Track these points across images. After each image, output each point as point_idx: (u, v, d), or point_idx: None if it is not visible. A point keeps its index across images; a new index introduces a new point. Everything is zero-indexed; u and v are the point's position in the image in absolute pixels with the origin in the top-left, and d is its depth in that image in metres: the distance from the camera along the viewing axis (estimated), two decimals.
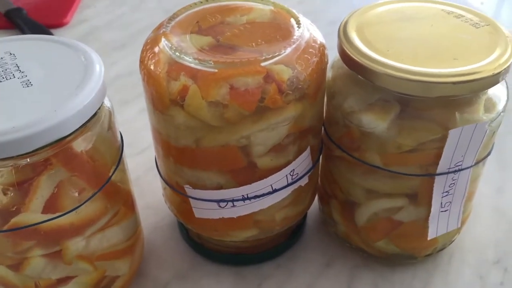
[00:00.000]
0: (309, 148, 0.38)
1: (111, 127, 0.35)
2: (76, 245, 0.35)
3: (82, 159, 0.32)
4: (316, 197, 0.47)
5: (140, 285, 0.43)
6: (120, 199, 0.37)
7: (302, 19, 0.37)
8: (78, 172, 0.32)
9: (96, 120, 0.33)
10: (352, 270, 0.44)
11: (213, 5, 0.39)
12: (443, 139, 0.35)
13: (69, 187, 0.33)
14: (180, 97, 0.33)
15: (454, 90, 0.33)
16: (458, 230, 0.43)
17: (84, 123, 0.31)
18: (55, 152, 0.31)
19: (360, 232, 0.42)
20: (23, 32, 0.73)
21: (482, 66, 0.33)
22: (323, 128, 0.41)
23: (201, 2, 0.39)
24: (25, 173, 0.32)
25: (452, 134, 0.34)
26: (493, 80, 0.33)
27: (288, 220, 0.41)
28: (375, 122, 0.35)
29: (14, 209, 0.32)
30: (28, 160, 0.30)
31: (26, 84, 0.31)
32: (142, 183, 0.51)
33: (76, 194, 0.33)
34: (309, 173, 0.40)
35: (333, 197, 0.43)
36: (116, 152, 0.36)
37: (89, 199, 0.33)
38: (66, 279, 0.36)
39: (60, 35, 0.74)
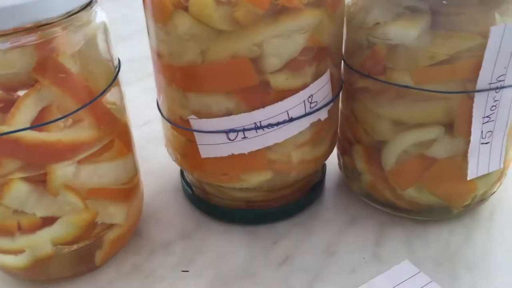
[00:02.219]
0: (328, 72, 0.34)
1: (106, 43, 0.31)
2: (63, 169, 0.30)
3: (69, 72, 0.28)
4: (335, 154, 0.42)
5: (140, 244, 0.38)
6: (114, 128, 0.33)
7: None
8: (64, 86, 0.28)
9: (84, 22, 0.29)
10: (379, 227, 0.39)
11: None
12: (482, 47, 0.30)
13: (56, 106, 0.29)
14: None
15: None
16: (499, 177, 0.38)
17: (70, 14, 0.27)
18: (40, 41, 0.27)
19: (389, 178, 0.37)
20: None
21: None
22: (342, 62, 0.37)
23: None
24: (12, 86, 0.28)
25: (494, 32, 0.30)
26: None
27: (306, 164, 0.37)
28: (404, 32, 0.31)
29: None
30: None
31: None
32: (145, 152, 0.46)
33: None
34: (329, 107, 0.35)
35: (356, 143, 0.38)
36: (110, 74, 0.32)
37: (74, 112, 0.29)
38: (52, 219, 0.32)
39: None
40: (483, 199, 0.38)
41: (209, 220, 0.40)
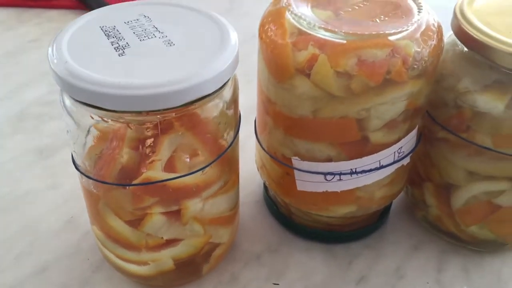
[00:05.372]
0: (417, 127, 0.39)
1: (235, 98, 0.36)
2: (194, 206, 0.35)
3: (210, 125, 0.33)
4: None
5: (235, 256, 0.44)
6: (233, 168, 0.38)
7: None
8: (203, 137, 0.33)
9: (227, 88, 0.34)
10: (440, 254, 0.44)
11: None
12: None
13: (186, 150, 0.34)
14: (307, 66, 0.34)
15: None
16: None
17: (221, 87, 0.32)
18: (189, 114, 0.31)
19: (455, 215, 0.42)
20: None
21: None
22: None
23: None
24: (151, 132, 0.33)
25: None
26: None
27: (385, 199, 0.42)
28: (493, 103, 0.36)
29: (139, 162, 0.33)
30: (174, 114, 0.31)
31: (168, 43, 0.32)
32: None
33: (188, 160, 0.34)
34: (412, 153, 0.40)
35: (428, 180, 0.44)
36: (235, 122, 0.37)
37: (214, 161, 0.34)
38: (175, 241, 0.37)
39: None
40: None
41: (291, 235, 0.46)
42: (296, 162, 0.39)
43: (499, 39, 0.35)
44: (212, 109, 0.33)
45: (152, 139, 0.32)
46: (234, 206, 0.41)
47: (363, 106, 0.35)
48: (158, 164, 0.33)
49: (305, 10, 0.36)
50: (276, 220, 0.47)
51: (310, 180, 0.39)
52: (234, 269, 0.43)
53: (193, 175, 0.34)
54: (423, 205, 0.45)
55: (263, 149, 0.42)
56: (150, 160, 0.32)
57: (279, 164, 0.41)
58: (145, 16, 0.35)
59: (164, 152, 0.32)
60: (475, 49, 0.36)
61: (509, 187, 0.39)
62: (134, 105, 0.29)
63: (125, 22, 0.34)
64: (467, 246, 0.44)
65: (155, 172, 0.33)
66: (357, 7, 0.37)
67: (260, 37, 0.37)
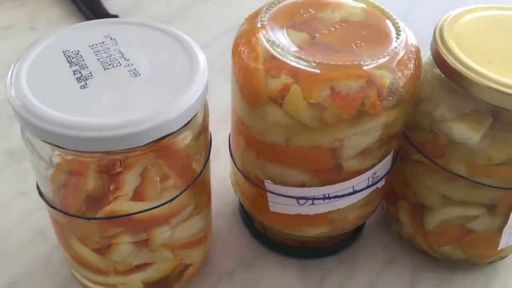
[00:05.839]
0: (392, 151, 0.38)
1: (205, 125, 0.35)
2: (163, 234, 0.35)
3: (179, 155, 0.32)
4: None
5: (207, 272, 0.43)
6: (204, 192, 0.37)
7: (400, 22, 0.36)
8: (173, 166, 0.32)
9: (197, 118, 0.32)
10: (414, 269, 0.45)
11: None
12: None
13: (156, 177, 0.33)
14: (280, 96, 0.33)
15: None
16: None
17: (190, 119, 0.31)
18: (156, 148, 0.30)
19: (427, 235, 0.42)
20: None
21: None
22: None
23: None
24: (115, 168, 0.32)
25: None
26: None
27: (359, 219, 0.42)
28: (468, 133, 0.35)
29: (102, 195, 0.32)
30: (138, 152, 0.30)
31: (134, 73, 0.31)
32: None
33: (159, 184, 0.33)
34: (387, 175, 0.40)
35: (402, 199, 0.43)
36: (206, 147, 0.36)
37: (184, 190, 0.33)
38: (145, 265, 0.37)
39: (107, 2, 0.73)
40: (506, 256, 0.44)
41: (265, 250, 0.45)
42: (268, 185, 0.38)
43: (477, 71, 0.34)
44: (181, 140, 0.32)
45: (116, 175, 0.31)
46: (206, 226, 0.40)
47: (337, 137, 0.34)
48: (123, 199, 0.32)
49: (280, 34, 0.35)
50: (250, 233, 0.47)
51: (282, 203, 0.39)
52: (206, 285, 0.42)
53: (151, 197, 0.33)
54: (397, 221, 0.45)
55: (237, 167, 0.41)
56: (115, 196, 0.31)
57: (253, 184, 0.40)
58: (111, 39, 0.33)
59: (129, 187, 0.31)
60: (452, 77, 0.35)
61: (483, 213, 0.39)
62: (95, 146, 0.28)
63: (89, 46, 0.33)
64: (439, 263, 0.45)
65: (121, 204, 0.32)
66: (333, 29, 0.36)
67: (233, 58, 0.36)
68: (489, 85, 0.33)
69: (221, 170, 0.46)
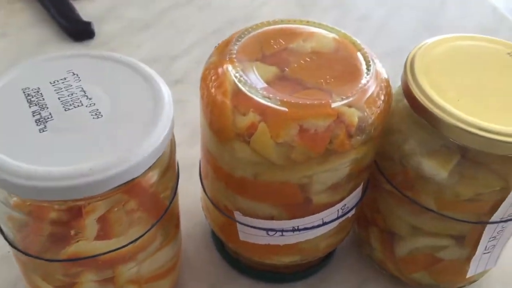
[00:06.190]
0: (362, 183, 0.38)
1: (172, 162, 0.34)
2: (129, 271, 0.34)
3: (146, 193, 0.32)
4: None
5: None
6: (173, 223, 0.37)
7: (369, 54, 0.36)
8: (140, 204, 0.32)
9: (164, 154, 0.32)
10: None
11: (273, 28, 0.38)
12: (502, 191, 0.35)
13: (121, 217, 0.32)
14: (247, 134, 0.32)
15: None
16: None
17: (156, 160, 0.30)
18: (121, 190, 0.30)
19: (398, 262, 0.42)
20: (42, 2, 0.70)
21: None
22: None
23: (262, 24, 0.38)
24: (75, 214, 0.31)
25: None
26: None
27: (330, 247, 0.42)
28: (437, 170, 0.35)
29: (63, 237, 0.31)
30: (100, 198, 0.29)
31: (96, 114, 0.30)
32: None
33: (125, 222, 0.32)
34: (357, 206, 0.40)
35: (374, 225, 0.43)
36: (174, 180, 0.35)
37: (152, 226, 0.33)
38: None
39: (81, 8, 0.71)
40: (475, 281, 0.44)
41: (236, 274, 0.45)
42: (238, 216, 0.38)
43: (445, 110, 0.33)
44: (147, 180, 0.31)
45: (77, 220, 0.30)
46: (175, 255, 0.40)
47: (305, 174, 0.34)
48: (86, 233, 0.31)
49: (249, 67, 0.34)
50: (221, 256, 0.46)
51: (252, 233, 0.39)
52: None
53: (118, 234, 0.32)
54: (369, 246, 0.45)
55: (207, 195, 0.41)
56: (76, 240, 0.30)
57: (222, 214, 0.40)
58: (73, 74, 0.32)
59: (90, 230, 0.30)
60: (420, 114, 0.35)
61: (452, 243, 0.39)
62: (54, 195, 0.27)
63: (50, 83, 0.32)
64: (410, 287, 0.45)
65: (84, 246, 0.31)
66: (303, 62, 0.35)
67: (201, 91, 0.35)
68: (457, 125, 0.33)
69: (193, 188, 0.45)
